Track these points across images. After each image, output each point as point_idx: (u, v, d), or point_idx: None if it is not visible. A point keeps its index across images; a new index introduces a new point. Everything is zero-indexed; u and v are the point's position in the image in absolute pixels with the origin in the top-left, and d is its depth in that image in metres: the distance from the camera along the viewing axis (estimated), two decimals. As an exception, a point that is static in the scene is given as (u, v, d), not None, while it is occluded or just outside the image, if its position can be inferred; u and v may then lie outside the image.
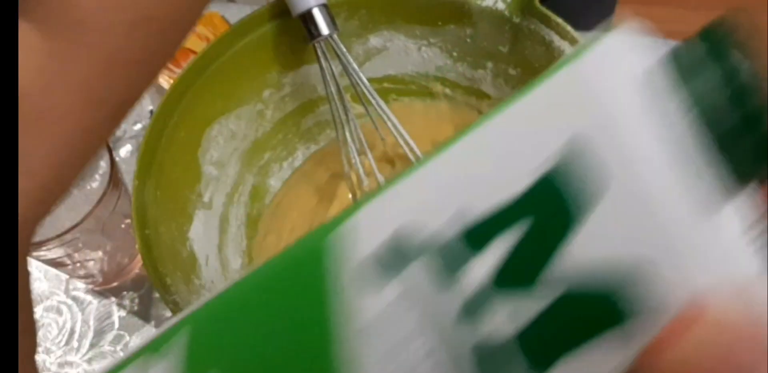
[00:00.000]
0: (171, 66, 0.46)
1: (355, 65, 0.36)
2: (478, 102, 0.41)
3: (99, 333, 0.38)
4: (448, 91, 0.42)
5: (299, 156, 0.43)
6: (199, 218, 0.36)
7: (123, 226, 0.38)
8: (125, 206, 0.37)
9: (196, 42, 0.45)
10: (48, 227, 0.34)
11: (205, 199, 0.37)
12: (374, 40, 0.39)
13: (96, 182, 0.35)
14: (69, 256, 0.35)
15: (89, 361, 0.37)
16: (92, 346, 0.37)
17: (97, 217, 0.34)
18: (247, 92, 0.38)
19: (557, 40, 0.34)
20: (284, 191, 0.41)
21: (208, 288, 0.33)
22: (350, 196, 0.39)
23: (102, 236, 0.35)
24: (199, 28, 0.45)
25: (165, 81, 0.46)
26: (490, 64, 0.39)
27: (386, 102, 0.39)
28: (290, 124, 0.42)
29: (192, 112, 0.35)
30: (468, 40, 0.38)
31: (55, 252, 0.34)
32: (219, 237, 0.37)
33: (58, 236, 0.32)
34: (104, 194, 0.33)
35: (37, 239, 0.33)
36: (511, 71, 0.38)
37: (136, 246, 0.30)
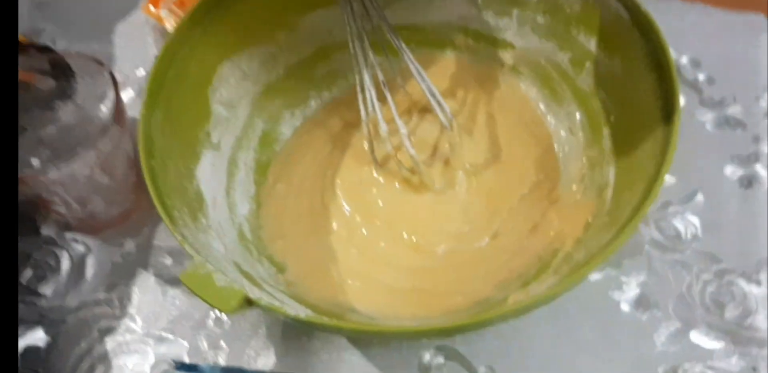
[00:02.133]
0: (177, 8, 0.44)
1: (378, 5, 0.34)
2: (501, 53, 0.40)
3: (94, 279, 0.35)
4: (470, 41, 0.40)
5: (312, 104, 0.41)
6: (206, 158, 0.34)
7: (124, 168, 0.35)
8: (128, 145, 0.35)
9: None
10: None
11: (214, 139, 0.35)
12: (396, -15, 0.37)
13: (101, 113, 0.33)
14: (67, 192, 0.32)
15: (79, 307, 0.34)
16: (86, 293, 0.35)
17: (98, 150, 0.32)
18: (260, 32, 0.36)
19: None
20: (295, 139, 0.39)
21: (216, 229, 0.31)
22: (365, 144, 0.37)
23: (102, 172, 0.33)
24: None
25: (170, 26, 0.44)
26: (516, 12, 0.37)
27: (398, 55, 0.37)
28: (304, 70, 0.40)
29: (204, 45, 0.33)
30: (494, -17, 0.36)
31: (53, 186, 0.32)
32: (227, 180, 0.35)
33: (57, 168, 0.30)
34: (108, 125, 0.31)
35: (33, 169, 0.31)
36: (539, 19, 0.36)
37: (134, 195, 0.28)
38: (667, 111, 0.27)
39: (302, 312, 0.24)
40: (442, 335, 0.24)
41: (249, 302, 0.24)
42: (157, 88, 0.31)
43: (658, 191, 0.23)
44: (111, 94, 0.34)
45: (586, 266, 0.22)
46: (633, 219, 0.23)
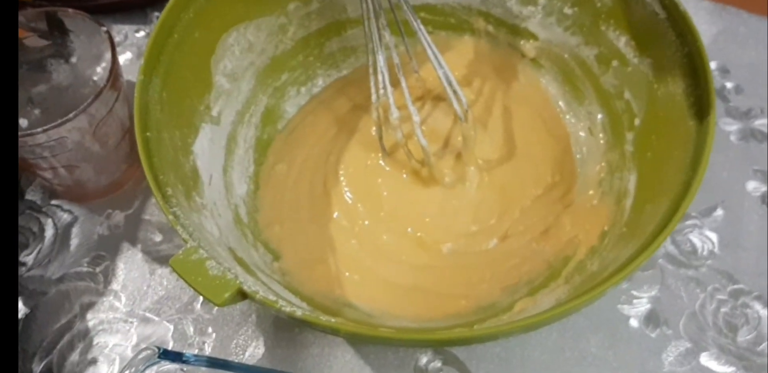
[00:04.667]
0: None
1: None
2: (522, 44, 0.38)
3: (78, 251, 0.34)
4: (490, 28, 0.38)
5: (319, 82, 0.39)
6: (205, 132, 0.32)
7: (117, 137, 0.33)
8: (122, 112, 0.33)
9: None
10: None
11: (214, 112, 0.33)
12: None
13: (96, 74, 0.31)
14: (54, 156, 0.30)
15: (61, 279, 0.33)
16: (69, 265, 0.33)
17: (90, 115, 0.30)
18: (271, 1, 0.34)
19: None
20: (299, 118, 0.37)
21: (211, 209, 0.29)
22: (374, 129, 0.35)
23: (93, 139, 0.31)
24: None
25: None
26: (542, 1, 0.35)
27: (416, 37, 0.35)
28: (313, 46, 0.37)
29: (209, 12, 0.31)
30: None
31: (39, 150, 0.30)
32: (225, 157, 0.33)
33: (45, 131, 0.28)
34: (103, 88, 0.29)
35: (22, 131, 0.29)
36: (567, 10, 0.35)
37: (126, 166, 0.26)
38: (700, 120, 0.26)
39: (298, 307, 0.23)
40: (443, 345, 0.23)
41: (243, 295, 0.23)
42: (156, 53, 0.29)
43: (686, 208, 0.22)
44: (107, 55, 0.32)
45: (605, 283, 0.21)
46: (658, 237, 0.22)
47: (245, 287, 0.22)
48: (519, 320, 0.22)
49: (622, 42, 0.32)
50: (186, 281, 0.23)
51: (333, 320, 0.22)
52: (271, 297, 0.23)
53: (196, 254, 0.23)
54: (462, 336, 0.22)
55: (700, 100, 0.27)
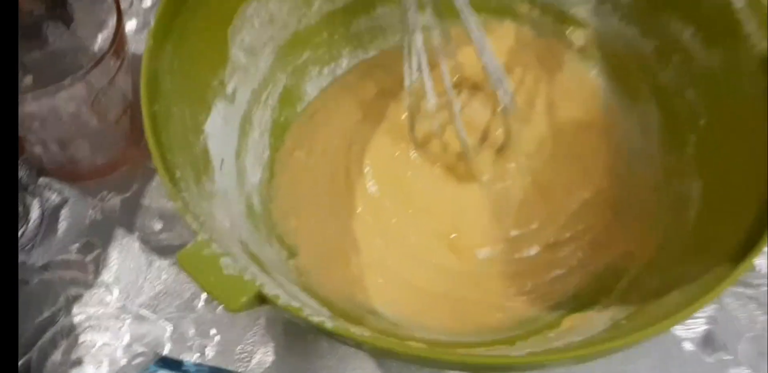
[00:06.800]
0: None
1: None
2: (571, 32, 0.34)
3: (66, 236, 0.30)
4: (536, 13, 0.35)
5: (343, 63, 0.35)
6: (218, 111, 0.28)
7: (117, 111, 0.30)
8: (125, 84, 0.30)
9: None
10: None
11: (228, 90, 0.29)
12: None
13: (97, 42, 0.28)
14: (45, 129, 0.27)
15: (45, 267, 0.29)
16: (56, 251, 0.30)
17: (89, 84, 0.26)
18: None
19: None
20: (321, 101, 0.34)
21: (222, 198, 0.26)
22: (404, 117, 0.32)
23: (91, 112, 0.28)
24: None
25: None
26: (597, -14, 0.32)
27: (457, 18, 0.32)
28: (339, 23, 0.34)
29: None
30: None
31: (28, 121, 0.26)
32: (238, 140, 0.30)
33: (36, 98, 0.24)
34: (105, 54, 0.26)
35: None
36: (624, -3, 0.31)
37: (125, 144, 0.23)
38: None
39: (320, 315, 0.19)
40: (483, 369, 0.20)
41: (262, 299, 0.19)
42: (168, 17, 0.25)
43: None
44: (111, 22, 0.28)
45: (685, 310, 0.18)
46: (749, 253, 0.19)
47: (266, 291, 0.19)
48: (575, 347, 0.19)
49: (688, 34, 0.29)
50: (196, 281, 0.19)
51: (366, 334, 0.19)
52: (295, 303, 0.19)
53: (208, 248, 0.20)
54: (505, 362, 0.19)
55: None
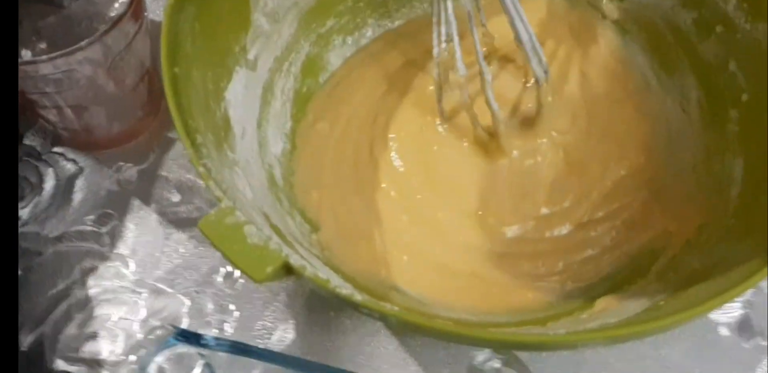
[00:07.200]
0: None
1: None
2: (605, 3, 0.33)
3: (81, 206, 0.29)
4: (568, -17, 0.33)
5: (368, 33, 0.34)
6: (239, 77, 0.27)
7: (135, 77, 0.29)
8: (143, 49, 0.29)
9: None
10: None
11: (250, 56, 0.28)
12: None
13: (115, 12, 0.26)
14: (60, 93, 0.26)
15: (60, 238, 0.29)
16: (71, 222, 0.29)
17: (106, 46, 0.25)
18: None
19: None
20: (344, 71, 0.33)
21: (243, 167, 0.25)
22: (431, 89, 0.31)
23: (108, 76, 0.27)
24: None
25: None
26: (635, -46, 0.30)
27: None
28: (364, -11, 0.33)
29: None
30: None
31: (42, 83, 0.25)
32: (260, 109, 0.29)
33: (51, 59, 0.23)
34: (122, 15, 0.24)
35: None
36: (663, -35, 0.30)
37: (143, 113, 0.22)
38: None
39: (347, 288, 0.19)
40: (518, 348, 0.19)
41: (288, 270, 0.18)
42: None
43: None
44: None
45: (727, 292, 0.17)
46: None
47: (292, 261, 0.18)
48: (612, 327, 0.18)
49: (732, 4, 0.28)
50: (219, 249, 0.18)
51: (396, 308, 0.18)
52: (322, 275, 0.19)
53: (231, 216, 0.19)
54: (537, 340, 0.18)
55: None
